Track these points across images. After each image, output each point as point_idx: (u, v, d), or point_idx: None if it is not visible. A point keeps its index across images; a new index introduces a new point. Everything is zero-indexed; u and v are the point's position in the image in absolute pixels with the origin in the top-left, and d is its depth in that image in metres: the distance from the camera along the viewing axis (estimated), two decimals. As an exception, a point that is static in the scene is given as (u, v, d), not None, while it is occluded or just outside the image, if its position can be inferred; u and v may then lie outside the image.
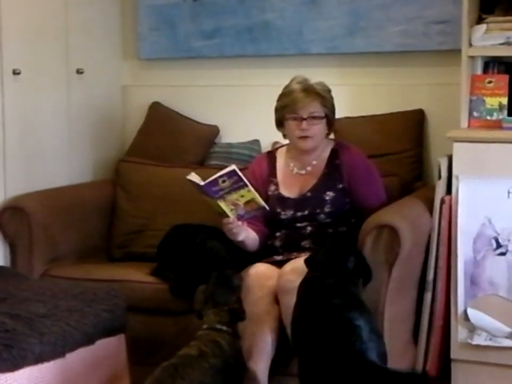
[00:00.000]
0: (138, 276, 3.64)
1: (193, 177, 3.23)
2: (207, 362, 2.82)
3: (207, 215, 3.61)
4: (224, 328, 2.98)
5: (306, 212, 3.42)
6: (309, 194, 3.45)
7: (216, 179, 3.16)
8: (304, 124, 3.42)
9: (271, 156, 3.61)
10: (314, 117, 3.42)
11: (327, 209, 3.41)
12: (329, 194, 3.42)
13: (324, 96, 3.44)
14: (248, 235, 3.36)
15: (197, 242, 3.55)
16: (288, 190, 3.50)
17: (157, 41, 4.48)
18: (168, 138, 4.29)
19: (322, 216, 3.41)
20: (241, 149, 4.22)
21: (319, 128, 3.44)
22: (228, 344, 2.92)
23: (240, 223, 3.28)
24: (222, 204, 3.21)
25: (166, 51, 4.47)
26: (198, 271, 3.53)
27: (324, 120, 3.45)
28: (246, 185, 3.18)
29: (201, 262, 3.49)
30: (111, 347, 3.13)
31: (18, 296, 3.11)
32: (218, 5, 4.33)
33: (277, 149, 3.65)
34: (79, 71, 4.25)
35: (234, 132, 4.31)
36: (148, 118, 4.44)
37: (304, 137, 3.44)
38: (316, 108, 3.43)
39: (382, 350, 2.85)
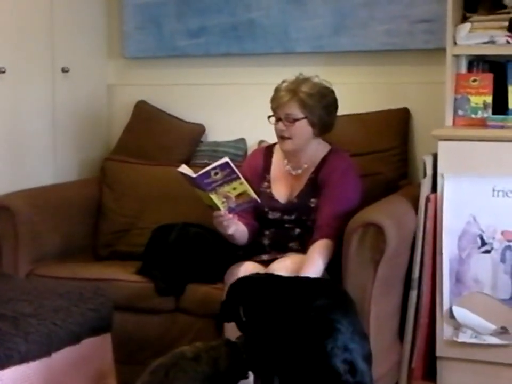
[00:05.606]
0: (124, 275, 3.63)
1: (185, 169, 3.18)
2: (200, 367, 2.74)
3: (193, 213, 3.62)
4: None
5: (293, 217, 3.39)
6: (295, 200, 3.42)
7: (208, 171, 3.10)
8: (280, 124, 3.39)
9: (269, 150, 3.57)
10: (290, 119, 3.37)
11: (313, 216, 3.36)
12: (314, 202, 3.38)
13: (302, 99, 3.36)
14: (238, 228, 3.32)
15: (178, 229, 3.58)
16: (279, 189, 3.46)
17: (143, 40, 4.47)
18: (154, 137, 4.29)
19: (309, 223, 3.37)
20: (227, 148, 4.21)
21: (296, 129, 3.38)
22: (227, 356, 2.82)
23: (231, 216, 3.23)
24: (213, 197, 3.14)
25: (151, 50, 4.46)
26: (185, 268, 3.54)
27: (304, 122, 3.38)
28: (239, 178, 3.13)
29: (185, 247, 3.49)
30: (97, 346, 3.12)
31: (3, 295, 3.10)
32: (203, 4, 4.32)
33: (275, 144, 3.60)
34: (65, 70, 4.23)
35: (220, 131, 4.31)
36: (133, 117, 4.43)
37: (283, 138, 3.40)
38: (292, 109, 3.37)
39: (366, 352, 2.83)
